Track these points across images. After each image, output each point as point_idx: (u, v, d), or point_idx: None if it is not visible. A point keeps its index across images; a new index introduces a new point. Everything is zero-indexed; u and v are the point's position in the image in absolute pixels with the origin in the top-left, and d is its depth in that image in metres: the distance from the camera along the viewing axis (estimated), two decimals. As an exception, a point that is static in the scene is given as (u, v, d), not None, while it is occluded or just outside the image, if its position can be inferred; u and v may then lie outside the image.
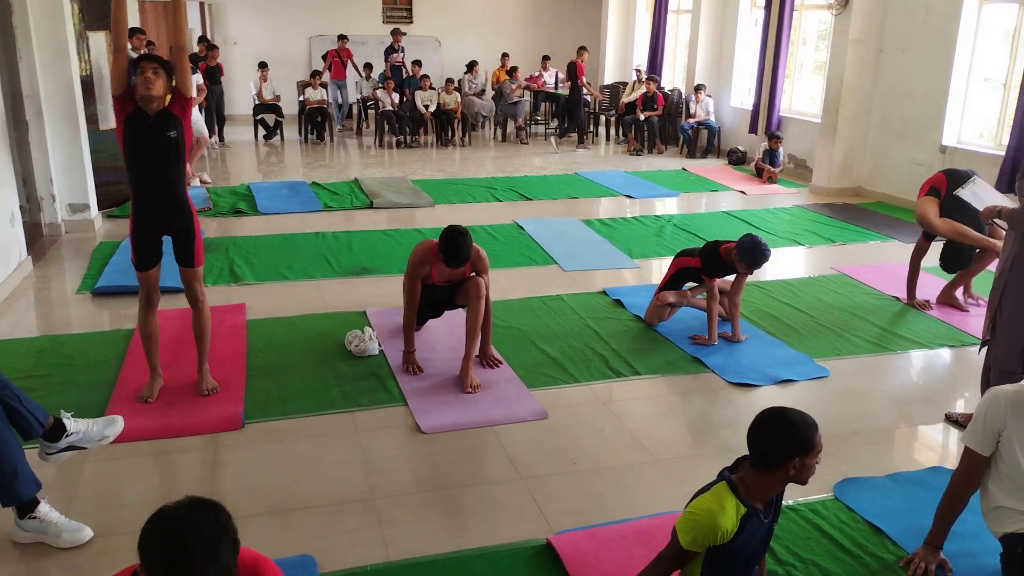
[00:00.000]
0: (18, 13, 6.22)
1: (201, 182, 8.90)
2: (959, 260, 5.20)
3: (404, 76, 12.38)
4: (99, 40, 7.43)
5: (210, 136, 10.20)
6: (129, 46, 8.66)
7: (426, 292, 4.27)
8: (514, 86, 12.39)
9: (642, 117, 11.51)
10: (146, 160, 3.62)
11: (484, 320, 4.21)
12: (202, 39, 12.20)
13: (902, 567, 2.75)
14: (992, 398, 2.56)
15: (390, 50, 12.65)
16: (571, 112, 12.11)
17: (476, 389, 4.00)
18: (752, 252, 4.39)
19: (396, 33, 12.77)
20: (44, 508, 2.81)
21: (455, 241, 3.98)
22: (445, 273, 4.17)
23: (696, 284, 4.86)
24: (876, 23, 8.44)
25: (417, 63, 12.55)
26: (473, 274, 4.21)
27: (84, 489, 3.19)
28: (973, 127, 7.91)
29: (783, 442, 2.17)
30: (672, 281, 4.86)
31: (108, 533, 2.87)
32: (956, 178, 5.14)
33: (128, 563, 1.86)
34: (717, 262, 4.59)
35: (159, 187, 3.67)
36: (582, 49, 12.25)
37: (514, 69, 12.73)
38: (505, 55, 13.48)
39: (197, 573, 1.59)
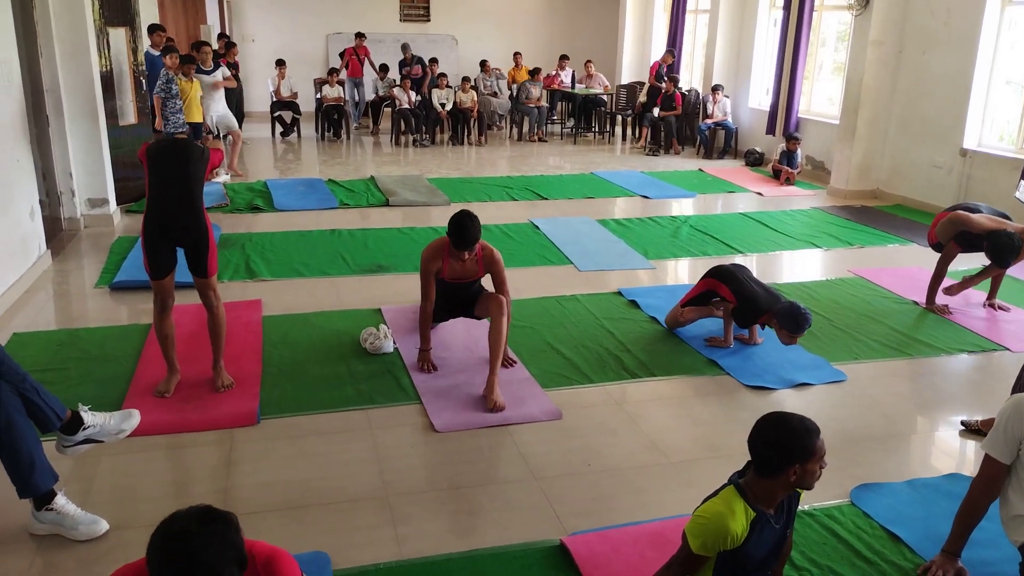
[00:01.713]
0: (39, 8, 6.27)
1: (234, 173, 9.01)
2: (1007, 250, 4.94)
3: (423, 80, 12.38)
4: (119, 36, 7.48)
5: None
6: (149, 42, 8.78)
7: (440, 289, 4.27)
8: (536, 96, 12.38)
9: (656, 113, 11.47)
10: (170, 168, 3.68)
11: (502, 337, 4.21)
12: (221, 36, 12.26)
13: (919, 575, 2.72)
14: (1014, 406, 2.53)
15: (403, 64, 12.68)
16: (643, 113, 12.14)
17: (499, 409, 3.81)
18: (794, 318, 4.16)
19: (406, 49, 12.83)
20: (61, 500, 2.84)
21: (462, 223, 3.95)
22: (456, 268, 4.16)
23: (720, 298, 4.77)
24: (896, 24, 8.36)
25: (434, 61, 12.56)
26: (493, 291, 4.18)
27: (100, 482, 3.21)
28: (994, 130, 7.83)
29: (782, 448, 2.15)
30: (698, 299, 4.74)
31: (124, 526, 2.89)
32: (968, 209, 5.26)
33: (143, 555, 1.87)
34: (751, 319, 4.46)
35: (180, 196, 3.69)
36: (668, 52, 12.19)
37: (536, 71, 12.71)
38: (517, 54, 13.48)
39: None
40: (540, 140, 12.34)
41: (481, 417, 3.75)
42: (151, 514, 2.98)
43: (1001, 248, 4.95)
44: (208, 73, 9.07)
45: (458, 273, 4.18)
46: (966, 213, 5.16)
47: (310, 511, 3.02)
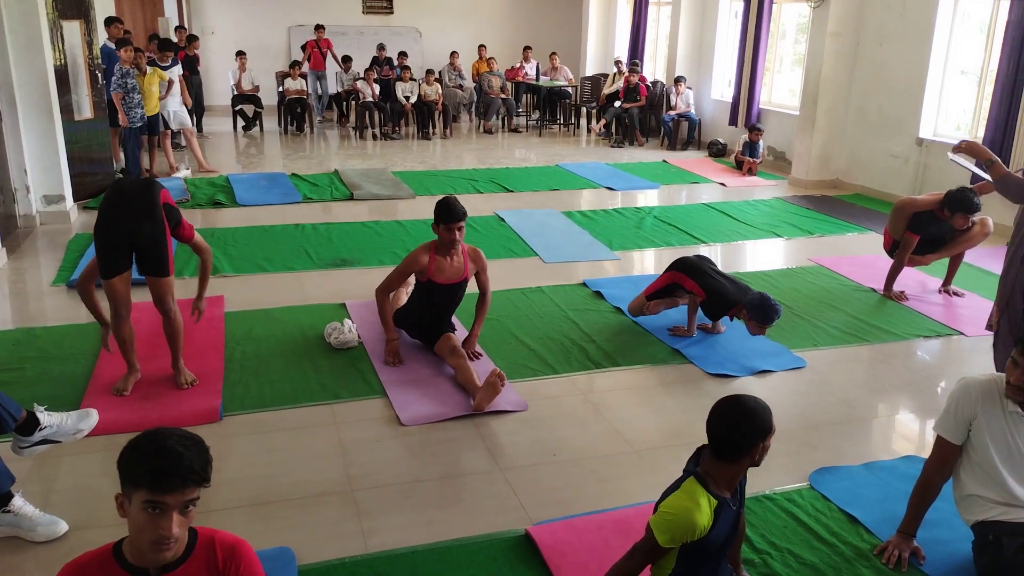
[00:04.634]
0: (-10, 1, 6.13)
1: (207, 169, 8.90)
2: (969, 194, 5.05)
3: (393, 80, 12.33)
4: (73, 29, 7.32)
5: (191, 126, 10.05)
6: (106, 36, 8.62)
7: (426, 294, 4.26)
8: (496, 86, 12.40)
9: (617, 105, 11.53)
10: (129, 203, 3.64)
11: (479, 313, 4.36)
12: (179, 28, 12.04)
13: (876, 555, 2.78)
14: (963, 388, 2.60)
15: (376, 61, 12.60)
16: (606, 106, 12.03)
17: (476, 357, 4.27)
18: (763, 310, 4.20)
19: (381, 48, 12.83)
20: (18, 502, 2.79)
21: (448, 200, 4.14)
22: (445, 267, 4.18)
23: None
24: (854, 16, 8.49)
25: (403, 54, 12.48)
26: (450, 333, 4.23)
27: (61, 483, 3.16)
28: (950, 120, 7.99)
29: (746, 430, 2.19)
30: (663, 291, 4.77)
31: (84, 527, 2.85)
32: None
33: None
34: (721, 312, 4.49)
35: (139, 213, 3.63)
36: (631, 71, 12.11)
37: (490, 60, 12.81)
38: (482, 46, 13.47)
39: (180, 458, 1.73)
40: (512, 131, 12.37)
41: (447, 409, 3.75)
42: (112, 514, 2.91)
43: (961, 197, 5.05)
44: (166, 68, 8.92)
45: (447, 273, 4.19)
46: (908, 197, 5.28)
47: (274, 507, 3.01)
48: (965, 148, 3.98)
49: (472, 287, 4.40)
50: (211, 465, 1.83)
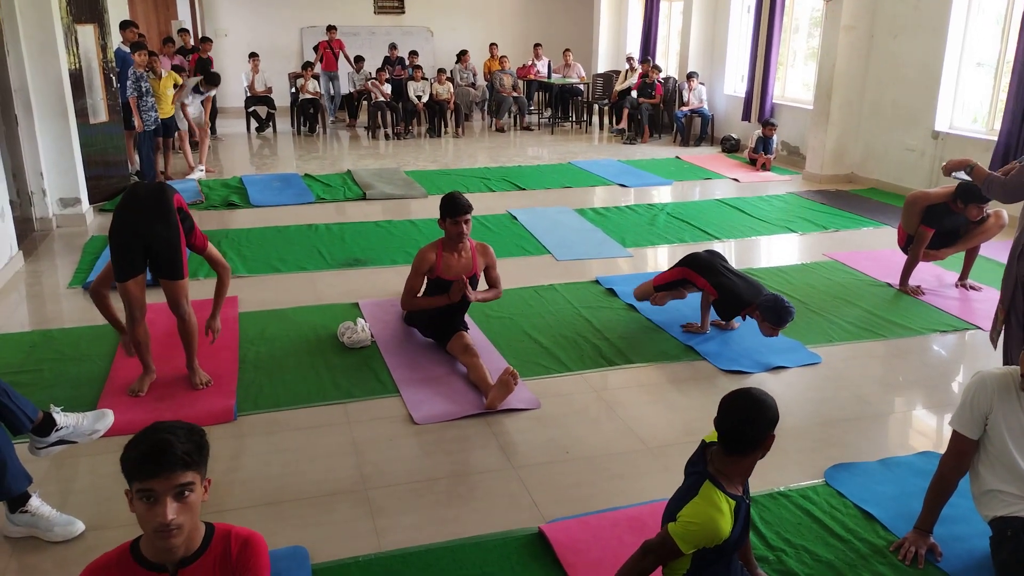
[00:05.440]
0: (4, 6, 6.18)
1: (207, 169, 8.94)
2: (977, 188, 5.05)
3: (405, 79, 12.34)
4: (87, 33, 7.38)
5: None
6: (120, 39, 8.68)
7: (434, 290, 4.28)
8: (508, 85, 12.42)
9: (634, 95, 11.50)
10: (144, 208, 3.67)
11: (493, 292, 4.43)
12: (183, 31, 12.03)
13: (892, 552, 2.76)
14: (979, 381, 2.57)
15: (388, 61, 12.65)
16: (619, 102, 12.04)
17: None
18: (777, 311, 4.15)
19: (393, 48, 12.92)
20: (35, 502, 2.81)
21: (452, 194, 4.18)
22: (452, 263, 4.20)
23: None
24: (867, 9, 8.42)
25: (414, 53, 12.51)
26: (463, 331, 4.24)
27: (77, 483, 3.19)
28: (966, 112, 7.90)
29: (760, 421, 2.18)
30: (672, 285, 4.73)
31: (100, 527, 2.87)
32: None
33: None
34: (733, 312, 4.45)
35: (153, 215, 3.65)
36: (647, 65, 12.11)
37: (502, 59, 12.82)
38: (493, 45, 13.47)
39: (161, 444, 1.76)
40: (525, 128, 12.38)
41: (460, 408, 3.76)
42: (128, 513, 2.94)
43: (973, 187, 4.88)
44: (203, 94, 8.99)
45: (455, 269, 4.21)
46: (921, 190, 5.24)
47: (288, 506, 3.02)
48: (947, 169, 4.07)
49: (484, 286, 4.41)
50: (204, 450, 1.85)
